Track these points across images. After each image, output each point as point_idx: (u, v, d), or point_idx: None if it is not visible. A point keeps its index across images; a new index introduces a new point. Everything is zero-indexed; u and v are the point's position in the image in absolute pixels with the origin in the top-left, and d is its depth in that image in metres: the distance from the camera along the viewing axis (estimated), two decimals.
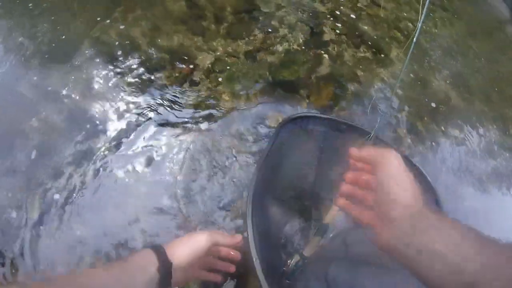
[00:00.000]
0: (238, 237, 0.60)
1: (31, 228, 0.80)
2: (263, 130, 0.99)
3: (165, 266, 0.44)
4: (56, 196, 0.84)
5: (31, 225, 0.80)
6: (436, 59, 1.74)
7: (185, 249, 0.49)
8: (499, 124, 1.56)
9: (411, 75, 1.48)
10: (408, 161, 0.86)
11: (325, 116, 0.89)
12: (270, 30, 1.22)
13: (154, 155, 0.92)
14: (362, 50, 1.34)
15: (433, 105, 1.44)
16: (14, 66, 1.10)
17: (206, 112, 1.00)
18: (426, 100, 1.44)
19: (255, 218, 0.63)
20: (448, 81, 1.62)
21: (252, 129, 0.98)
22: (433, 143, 1.28)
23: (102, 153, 0.90)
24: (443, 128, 1.37)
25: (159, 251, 0.45)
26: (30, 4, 1.24)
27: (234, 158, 0.93)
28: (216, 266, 0.61)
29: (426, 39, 1.82)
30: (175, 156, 0.92)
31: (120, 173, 0.88)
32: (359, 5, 1.50)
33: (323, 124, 0.85)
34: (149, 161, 0.91)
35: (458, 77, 1.74)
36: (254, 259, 0.57)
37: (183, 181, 0.89)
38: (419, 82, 1.49)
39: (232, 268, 0.62)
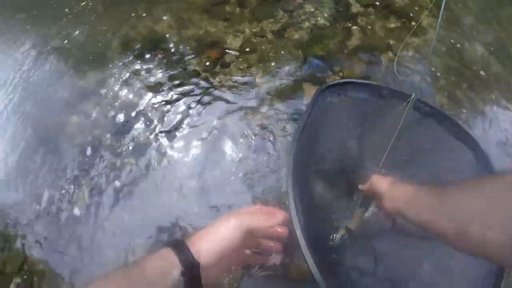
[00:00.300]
0: (278, 214, 0.47)
1: (81, 217, 0.83)
2: (298, 105, 0.96)
3: (191, 268, 0.37)
4: (102, 186, 0.86)
5: (82, 214, 0.83)
6: (470, 26, 1.64)
7: (213, 242, 0.40)
8: None
9: (447, 42, 1.40)
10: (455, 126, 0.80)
11: (364, 81, 0.84)
12: (294, 7, 1.19)
13: (193, 137, 0.92)
14: (391, 20, 1.28)
15: (472, 72, 1.36)
16: (51, 69, 1.14)
17: (240, 91, 0.99)
18: (464, 67, 1.36)
19: (296, 193, 0.59)
20: (485, 47, 1.52)
21: (287, 105, 0.96)
22: (474, 111, 1.21)
23: (141, 142, 0.92)
24: (483, 96, 1.29)
25: (181, 251, 0.37)
26: (59, 17, 1.30)
27: (271, 135, 0.91)
28: (259, 247, 0.51)
29: (457, 6, 1.73)
30: (212, 137, 0.92)
31: (161, 158, 0.89)
32: None
33: (363, 90, 0.80)
34: (187, 143, 0.91)
35: (495, 43, 1.63)
36: (298, 235, 0.52)
37: (221, 160, 0.88)
38: (455, 50, 1.41)
39: (278, 247, 0.51)
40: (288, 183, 0.60)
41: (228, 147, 0.90)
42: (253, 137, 0.91)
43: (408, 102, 0.70)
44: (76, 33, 1.20)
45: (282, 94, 0.98)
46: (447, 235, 0.40)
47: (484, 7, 1.75)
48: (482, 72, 1.38)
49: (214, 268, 0.39)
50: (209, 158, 0.89)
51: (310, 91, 0.98)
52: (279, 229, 0.48)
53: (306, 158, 0.73)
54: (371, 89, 0.81)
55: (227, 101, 0.97)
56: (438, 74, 1.27)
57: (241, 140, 0.90)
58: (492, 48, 1.53)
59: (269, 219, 0.46)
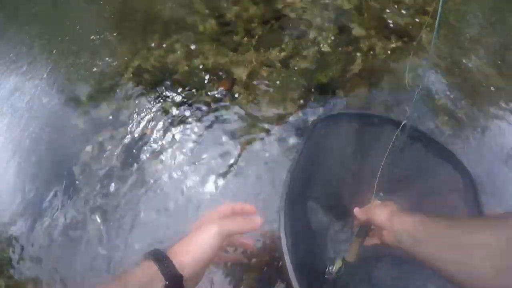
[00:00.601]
0: (257, 220, 0.47)
1: (93, 246, 0.89)
2: (302, 134, 1.02)
3: (174, 282, 0.36)
4: (115, 216, 0.93)
5: (94, 244, 0.89)
6: (470, 38, 1.66)
7: (195, 253, 0.40)
8: None
9: (447, 58, 1.44)
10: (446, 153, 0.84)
11: (356, 112, 0.89)
12: (299, 35, 1.24)
13: (202, 167, 0.98)
14: (392, 40, 1.32)
15: (472, 87, 1.39)
16: (67, 99, 1.21)
17: (248, 123, 1.05)
18: (464, 82, 1.40)
19: (288, 229, 0.62)
20: (485, 60, 1.54)
21: (292, 134, 1.02)
22: (475, 128, 1.24)
23: (152, 172, 0.98)
24: (484, 111, 1.32)
25: (164, 264, 0.37)
26: (74, 47, 1.35)
27: (273, 163, 0.97)
28: (233, 245, 0.52)
29: (456, 18, 1.75)
30: (219, 165, 0.98)
31: (171, 186, 0.95)
32: None
33: (355, 120, 0.85)
34: (196, 171, 0.97)
35: (494, 53, 1.64)
36: (289, 274, 0.55)
37: (224, 186, 0.95)
38: (455, 65, 1.44)
39: (250, 243, 0.52)
40: (280, 220, 0.64)
41: (233, 175, 0.96)
42: (257, 166, 0.97)
43: (400, 128, 0.74)
44: (90, 63, 1.26)
45: (287, 124, 1.04)
46: (447, 270, 0.42)
47: (483, 18, 1.78)
48: (483, 86, 1.42)
49: (196, 277, 0.40)
50: (215, 184, 0.95)
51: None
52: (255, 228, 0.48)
53: (301, 189, 0.77)
54: (364, 119, 0.86)
55: (235, 132, 1.03)
56: (438, 91, 1.31)
57: (245, 168, 0.97)
58: (488, 59, 1.55)
59: (248, 223, 0.46)
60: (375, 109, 1.10)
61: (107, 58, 1.26)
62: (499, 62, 1.59)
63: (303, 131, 1.02)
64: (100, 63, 1.26)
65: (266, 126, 1.04)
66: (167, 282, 0.35)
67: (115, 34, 1.32)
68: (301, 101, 1.09)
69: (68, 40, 1.37)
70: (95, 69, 1.25)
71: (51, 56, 1.35)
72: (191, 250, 0.39)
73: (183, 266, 0.37)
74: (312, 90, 1.11)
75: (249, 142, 1.01)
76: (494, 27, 1.80)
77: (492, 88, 1.44)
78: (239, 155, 0.99)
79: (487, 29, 1.75)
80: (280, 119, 1.05)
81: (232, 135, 1.02)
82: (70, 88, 1.24)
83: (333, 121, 0.83)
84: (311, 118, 1.05)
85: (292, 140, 1.01)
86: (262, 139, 1.02)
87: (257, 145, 1.01)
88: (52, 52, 1.36)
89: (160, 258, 0.37)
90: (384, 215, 0.56)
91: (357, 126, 0.85)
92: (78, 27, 1.45)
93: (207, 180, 0.96)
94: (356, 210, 0.65)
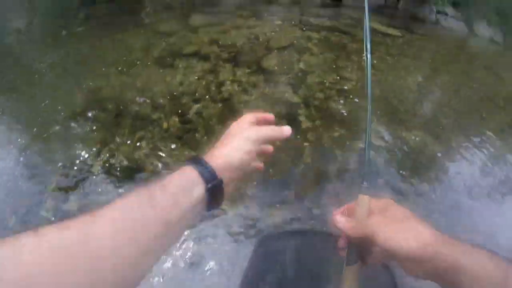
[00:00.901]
0: (287, 128, 0.47)
1: None
2: (260, 230, 1.13)
3: (215, 185, 0.37)
4: None
5: None
6: (407, 112, 1.86)
7: (235, 156, 0.40)
8: (480, 154, 1.64)
9: (388, 135, 1.63)
10: None
11: (296, 230, 1.04)
12: None
13: (165, 261, 1.05)
14: (336, 129, 1.50)
15: (412, 159, 1.56)
16: (36, 193, 1.26)
17: (208, 220, 1.15)
18: (404, 156, 1.57)
19: None
20: (421, 130, 1.75)
21: (248, 228, 1.13)
22: (416, 197, 1.37)
23: None
24: (423, 179, 1.47)
25: (204, 168, 0.37)
26: (47, 130, 1.42)
27: (234, 255, 1.06)
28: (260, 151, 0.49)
29: (394, 95, 1.98)
30: (188, 259, 1.05)
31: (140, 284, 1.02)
32: (327, 84, 1.70)
33: (297, 235, 0.99)
34: (159, 269, 1.04)
35: (430, 121, 1.84)
36: None
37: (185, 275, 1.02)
38: (396, 142, 1.63)
39: (271, 149, 0.51)
40: None
41: (197, 266, 1.04)
42: (216, 258, 1.06)
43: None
44: (62, 152, 1.34)
45: (246, 220, 1.15)
46: None
47: (419, 90, 2.00)
48: (420, 156, 1.58)
49: (234, 182, 0.41)
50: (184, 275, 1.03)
51: (270, 212, 1.16)
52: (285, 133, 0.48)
53: None
54: (306, 234, 1.00)
55: (197, 228, 1.13)
56: (382, 170, 1.45)
57: (206, 258, 1.06)
58: (424, 129, 1.74)
59: (280, 130, 0.47)
60: (323, 208, 1.22)
61: (77, 148, 1.34)
62: (434, 128, 1.80)
63: (261, 227, 1.14)
64: (70, 153, 1.34)
65: (225, 222, 1.14)
66: (208, 185, 0.37)
67: (86, 120, 1.41)
68: (258, 198, 1.21)
69: (42, 121, 1.44)
70: (65, 159, 1.32)
71: (26, 136, 1.42)
72: (230, 154, 0.40)
73: (223, 170, 0.38)
74: (268, 186, 1.25)
75: (206, 237, 1.11)
76: (428, 96, 2.05)
77: (429, 156, 1.62)
78: (200, 249, 1.09)
79: (422, 100, 1.99)
80: (237, 216, 1.16)
81: (195, 232, 1.12)
82: (40, 177, 1.29)
83: (278, 237, 0.97)
84: (264, 214, 1.18)
85: (249, 233, 1.13)
86: (221, 233, 1.12)
87: (218, 239, 1.11)
88: (27, 133, 1.42)
89: (200, 162, 0.38)
90: (413, 243, 0.34)
91: (298, 240, 0.98)
92: (59, 107, 1.53)
93: (173, 275, 1.04)
94: (337, 219, 0.40)
